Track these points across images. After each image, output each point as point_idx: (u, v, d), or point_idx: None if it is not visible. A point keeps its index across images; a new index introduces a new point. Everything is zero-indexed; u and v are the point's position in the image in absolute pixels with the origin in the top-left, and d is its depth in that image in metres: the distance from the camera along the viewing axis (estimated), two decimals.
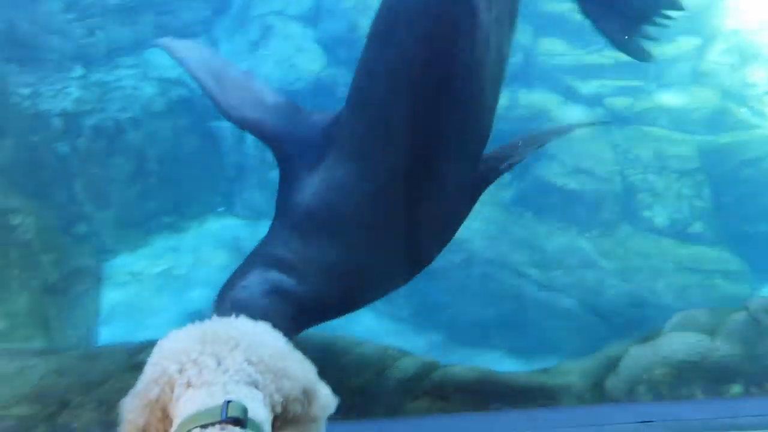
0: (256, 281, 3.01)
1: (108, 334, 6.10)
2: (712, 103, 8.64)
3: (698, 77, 9.08)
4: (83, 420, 2.70)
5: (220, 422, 1.34)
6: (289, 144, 3.37)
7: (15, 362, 2.97)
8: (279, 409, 1.53)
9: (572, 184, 7.83)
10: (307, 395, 1.57)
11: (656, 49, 9.11)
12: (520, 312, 7.15)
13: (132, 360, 3.14)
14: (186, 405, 1.44)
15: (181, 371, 1.48)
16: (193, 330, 1.60)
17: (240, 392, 1.44)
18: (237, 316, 1.64)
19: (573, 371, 3.60)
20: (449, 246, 7.49)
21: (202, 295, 7.33)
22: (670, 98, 8.85)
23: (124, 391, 3.01)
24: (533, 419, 2.59)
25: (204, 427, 1.34)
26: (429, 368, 3.56)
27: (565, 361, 3.98)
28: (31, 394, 2.76)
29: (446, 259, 7.53)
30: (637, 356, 3.71)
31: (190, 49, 3.69)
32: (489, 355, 6.81)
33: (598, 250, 7.49)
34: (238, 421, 1.35)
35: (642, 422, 2.60)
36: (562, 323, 7.09)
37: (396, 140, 3.17)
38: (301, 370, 1.57)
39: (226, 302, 3.05)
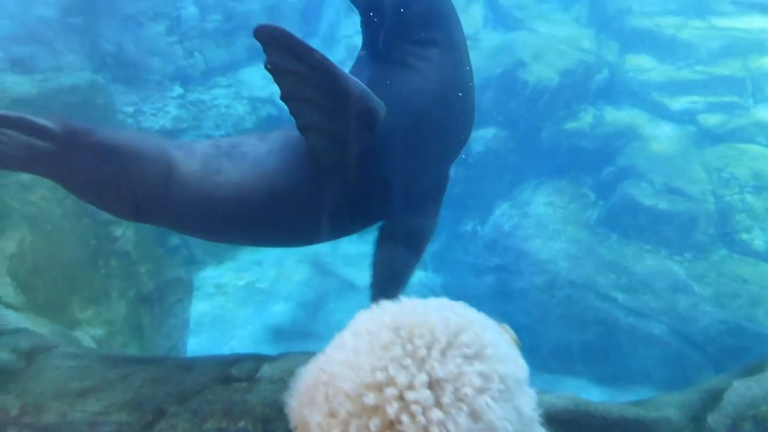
0: None
1: (195, 344, 6.34)
2: None
3: None
4: (178, 430, 2.78)
5: None
6: None
7: (117, 369, 3.11)
8: None
9: (662, 204, 7.49)
10: None
11: (755, 62, 8.73)
12: (606, 338, 6.87)
13: (224, 372, 3.21)
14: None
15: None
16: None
17: None
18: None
19: (671, 404, 3.39)
20: (531, 267, 7.41)
21: (284, 309, 7.52)
22: None
23: (216, 402, 3.11)
24: None
25: None
26: None
27: (661, 394, 3.76)
28: (131, 401, 2.87)
29: (528, 280, 7.39)
30: (742, 390, 3.45)
31: None
32: (572, 382, 6.59)
33: (691, 274, 7.11)
34: None
35: None
36: (652, 351, 6.76)
37: None
38: None
39: None
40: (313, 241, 3.62)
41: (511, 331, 1.42)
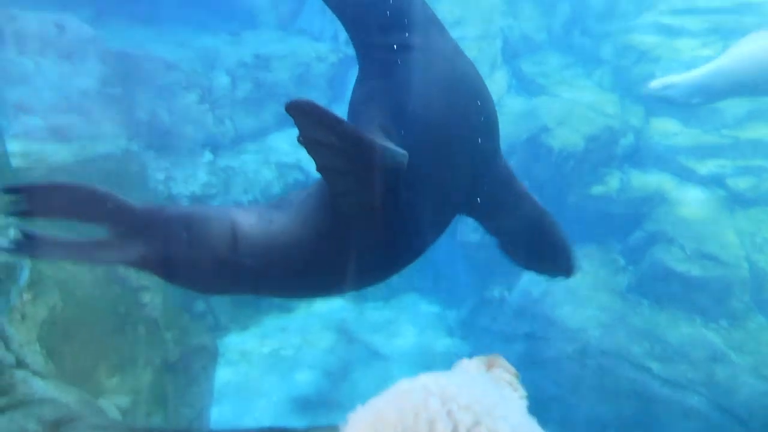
0: None
1: (218, 413, 6.23)
2: None
3: None
4: None
5: None
6: None
7: None
8: None
9: (695, 270, 7.32)
10: None
11: None
12: (642, 410, 6.59)
13: None
14: None
15: None
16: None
17: None
18: None
19: None
20: (561, 334, 7.24)
21: (309, 378, 7.39)
22: None
23: None
24: None
25: None
26: None
27: None
28: None
29: (558, 348, 7.20)
30: None
31: None
32: None
33: (728, 343, 6.86)
34: None
35: None
36: (691, 425, 6.45)
37: None
38: None
39: None
40: (375, 279, 3.57)
41: (507, 365, 1.39)
